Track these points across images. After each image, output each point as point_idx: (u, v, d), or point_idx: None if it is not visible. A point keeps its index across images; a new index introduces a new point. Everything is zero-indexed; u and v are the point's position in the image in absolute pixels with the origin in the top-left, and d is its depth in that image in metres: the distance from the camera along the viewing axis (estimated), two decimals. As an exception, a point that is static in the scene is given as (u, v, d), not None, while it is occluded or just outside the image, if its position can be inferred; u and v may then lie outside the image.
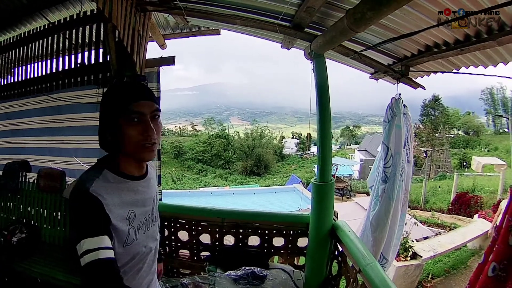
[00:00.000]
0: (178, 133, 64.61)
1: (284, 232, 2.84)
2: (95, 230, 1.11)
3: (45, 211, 3.55)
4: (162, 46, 3.77)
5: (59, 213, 3.48)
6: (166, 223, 3.07)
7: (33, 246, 3.25)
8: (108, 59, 3.06)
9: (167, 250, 3.11)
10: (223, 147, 50.12)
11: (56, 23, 3.77)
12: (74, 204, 1.16)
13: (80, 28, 3.56)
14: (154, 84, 3.31)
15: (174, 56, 3.23)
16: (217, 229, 2.94)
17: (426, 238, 8.08)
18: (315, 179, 2.57)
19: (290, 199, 19.27)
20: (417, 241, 7.13)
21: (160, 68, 3.28)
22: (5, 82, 4.51)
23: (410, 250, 6.33)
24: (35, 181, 3.70)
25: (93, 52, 3.50)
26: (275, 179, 41.58)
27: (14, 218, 3.66)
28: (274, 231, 2.85)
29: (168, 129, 70.78)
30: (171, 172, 41.90)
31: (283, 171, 47.35)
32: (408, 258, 6.24)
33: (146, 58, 3.16)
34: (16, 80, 4.35)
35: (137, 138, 1.22)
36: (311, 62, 2.54)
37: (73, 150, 3.76)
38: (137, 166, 1.36)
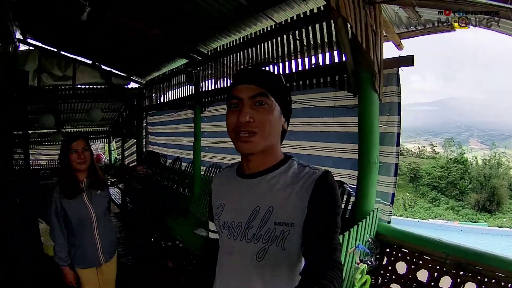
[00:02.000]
0: (416, 154, 66.37)
1: (502, 283, 2.67)
2: (209, 215, 1.68)
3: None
4: (399, 46, 3.95)
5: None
6: (387, 250, 3.28)
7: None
8: (344, 59, 3.47)
9: (379, 281, 3.29)
10: (460, 174, 49.64)
11: (283, 23, 4.43)
12: None
13: (310, 27, 4.10)
14: (394, 87, 3.53)
15: (413, 56, 3.34)
16: (438, 267, 2.94)
17: None
18: None
19: (516, 246, 18.08)
20: None
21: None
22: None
23: None
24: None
25: (328, 53, 3.97)
26: (504, 219, 40.35)
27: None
28: (493, 281, 2.70)
29: (407, 148, 73.81)
30: (404, 197, 44.42)
31: (514, 210, 45.74)
32: None
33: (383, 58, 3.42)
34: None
35: (230, 126, 1.38)
36: None
37: (306, 156, 4.42)
38: (245, 161, 1.49)
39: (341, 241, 2.80)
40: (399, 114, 3.54)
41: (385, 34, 3.64)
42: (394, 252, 3.26)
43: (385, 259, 3.29)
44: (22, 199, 4.75)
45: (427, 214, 40.57)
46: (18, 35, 7.78)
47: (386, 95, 3.54)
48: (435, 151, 69.39)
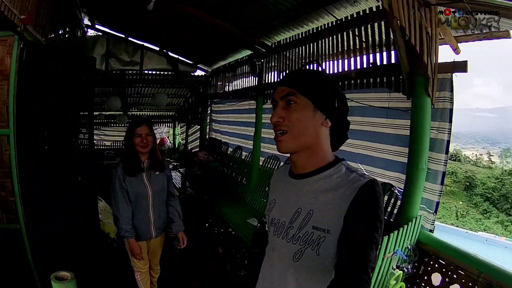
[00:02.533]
0: (473, 162, 64.23)
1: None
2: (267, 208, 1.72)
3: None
4: (456, 50, 3.79)
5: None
6: (425, 259, 3.24)
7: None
8: (399, 61, 3.41)
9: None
10: (512, 187, 47.33)
11: (343, 20, 4.48)
12: None
13: (369, 26, 4.12)
14: (447, 93, 3.45)
15: (466, 61, 3.27)
16: (470, 283, 2.83)
17: None
18: None
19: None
20: None
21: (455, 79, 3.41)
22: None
23: None
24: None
25: (385, 52, 3.96)
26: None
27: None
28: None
29: (464, 155, 71.78)
30: (457, 205, 43.09)
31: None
32: None
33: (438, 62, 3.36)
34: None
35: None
36: None
37: (358, 156, 4.49)
38: (291, 161, 1.57)
39: (380, 245, 2.82)
40: (450, 121, 3.46)
41: (442, 37, 3.56)
42: (431, 262, 3.19)
43: (422, 268, 3.24)
44: (84, 177, 5.10)
45: (477, 225, 38.81)
46: (86, 21, 8.33)
47: (439, 100, 3.48)
48: (491, 161, 66.64)
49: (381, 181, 3.87)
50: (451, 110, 3.47)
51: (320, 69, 1.77)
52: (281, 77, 6.04)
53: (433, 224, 3.53)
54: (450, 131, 3.47)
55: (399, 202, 3.65)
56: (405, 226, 3.17)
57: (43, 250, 4.32)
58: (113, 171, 3.55)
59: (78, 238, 4.85)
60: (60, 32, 5.88)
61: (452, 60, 3.38)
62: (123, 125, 11.89)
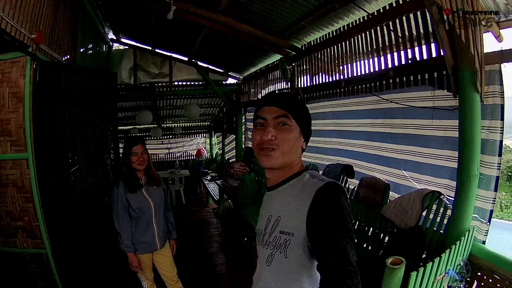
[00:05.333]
0: None
1: None
2: None
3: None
4: (498, 37, 3.41)
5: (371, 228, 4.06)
6: (479, 274, 3.00)
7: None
8: (442, 54, 3.15)
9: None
10: (549, 176, 44.74)
11: (375, 14, 4.18)
12: None
13: (404, 17, 3.82)
14: (497, 87, 3.11)
15: None
16: None
17: None
18: None
19: None
20: None
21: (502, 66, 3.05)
22: (331, 80, 5.41)
23: None
24: (355, 189, 4.43)
25: (425, 46, 3.65)
26: None
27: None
28: None
29: (505, 144, 68.20)
30: (500, 196, 41.73)
31: None
32: None
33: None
34: (341, 77, 5.13)
35: (255, 142, 1.63)
36: None
37: (403, 162, 4.22)
38: (266, 176, 1.73)
39: (431, 267, 2.55)
40: (502, 118, 3.10)
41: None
42: (485, 277, 2.96)
43: (475, 283, 3.02)
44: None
45: (522, 215, 37.69)
46: (111, 35, 8.46)
47: (488, 95, 3.13)
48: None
49: (429, 189, 3.62)
50: (502, 106, 3.11)
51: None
52: (321, 79, 5.86)
53: (486, 235, 3.25)
54: (503, 130, 3.11)
55: (448, 212, 3.35)
56: (458, 243, 2.88)
57: (71, 274, 4.41)
58: (113, 190, 3.83)
59: (107, 260, 4.82)
60: (82, 50, 5.82)
61: (500, 49, 3.04)
62: (157, 138, 12.57)
